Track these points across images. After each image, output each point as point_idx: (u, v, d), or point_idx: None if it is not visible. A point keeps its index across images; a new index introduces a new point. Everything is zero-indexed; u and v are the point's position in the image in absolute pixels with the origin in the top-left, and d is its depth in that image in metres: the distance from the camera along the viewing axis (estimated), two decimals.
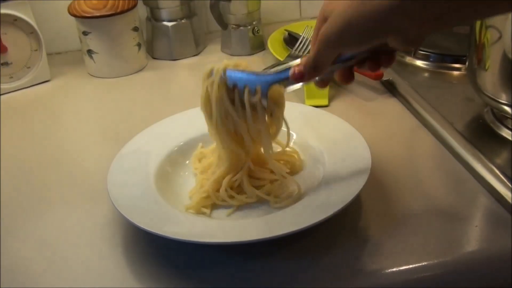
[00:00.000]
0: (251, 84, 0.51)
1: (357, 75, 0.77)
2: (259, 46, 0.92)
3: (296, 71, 0.48)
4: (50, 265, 0.51)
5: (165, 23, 0.90)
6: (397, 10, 0.39)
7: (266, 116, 0.53)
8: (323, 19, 0.45)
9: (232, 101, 0.52)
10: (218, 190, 0.55)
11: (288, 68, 0.50)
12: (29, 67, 0.85)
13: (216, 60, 0.90)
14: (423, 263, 0.48)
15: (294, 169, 0.58)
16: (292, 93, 0.77)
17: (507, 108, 0.60)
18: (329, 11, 0.44)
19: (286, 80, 0.50)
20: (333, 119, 0.62)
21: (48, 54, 0.87)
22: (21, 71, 0.85)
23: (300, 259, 0.49)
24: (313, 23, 0.88)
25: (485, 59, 0.61)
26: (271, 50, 0.85)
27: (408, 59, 0.82)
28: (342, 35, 0.43)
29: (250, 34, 0.90)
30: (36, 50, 0.85)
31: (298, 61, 0.50)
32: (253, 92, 0.51)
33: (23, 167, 0.66)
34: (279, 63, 0.81)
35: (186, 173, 0.60)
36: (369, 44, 0.43)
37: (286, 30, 0.90)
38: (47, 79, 0.87)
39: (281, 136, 0.56)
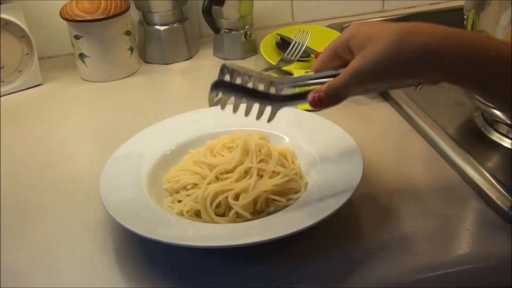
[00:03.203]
0: (262, 104, 0.50)
1: None
2: (251, 50, 0.92)
3: (316, 98, 0.46)
4: (41, 269, 0.51)
5: (157, 27, 0.90)
6: (434, 57, 0.43)
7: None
8: (350, 38, 0.46)
9: None
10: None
11: (303, 93, 0.49)
12: (20, 71, 0.85)
13: (209, 64, 0.91)
14: (415, 266, 0.48)
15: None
16: None
17: (497, 112, 0.60)
18: (362, 39, 0.45)
19: (297, 103, 0.50)
20: (325, 123, 0.62)
21: (40, 58, 0.87)
22: (13, 75, 0.84)
23: (292, 263, 0.49)
24: (305, 27, 0.89)
25: None
26: (264, 54, 0.85)
27: None
28: (376, 76, 0.44)
29: (243, 38, 0.90)
30: (27, 54, 0.84)
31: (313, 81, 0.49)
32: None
33: (15, 171, 0.66)
34: (272, 67, 0.82)
35: None
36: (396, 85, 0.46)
37: (278, 34, 0.90)
38: (38, 83, 0.87)
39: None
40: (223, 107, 0.51)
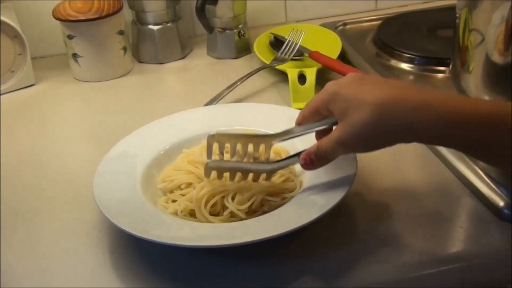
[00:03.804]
0: (257, 171, 0.54)
1: (341, 77, 0.78)
2: (245, 49, 0.92)
3: (308, 161, 0.51)
4: (36, 270, 0.50)
5: (150, 26, 0.89)
6: (415, 131, 0.45)
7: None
8: (330, 102, 0.48)
9: None
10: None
11: (293, 156, 0.53)
12: (13, 71, 0.84)
13: (202, 64, 0.91)
14: (409, 264, 0.48)
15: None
16: (279, 97, 0.78)
17: None
18: (342, 105, 0.47)
19: (288, 164, 0.54)
20: None
21: (33, 58, 0.87)
22: (5, 75, 0.84)
23: (288, 262, 0.49)
24: (299, 26, 0.89)
25: (469, 61, 0.61)
26: (257, 54, 0.85)
27: (393, 62, 0.83)
28: (357, 146, 0.48)
29: (236, 37, 0.90)
30: (20, 54, 0.84)
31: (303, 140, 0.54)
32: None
33: (8, 172, 0.65)
34: (265, 66, 0.82)
35: None
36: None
37: (272, 33, 0.90)
38: (31, 84, 0.86)
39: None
40: (219, 178, 0.54)
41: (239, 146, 0.56)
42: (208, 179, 0.54)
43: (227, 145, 0.56)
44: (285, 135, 0.55)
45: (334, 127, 0.50)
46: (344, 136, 0.47)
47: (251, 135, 0.57)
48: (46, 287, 0.49)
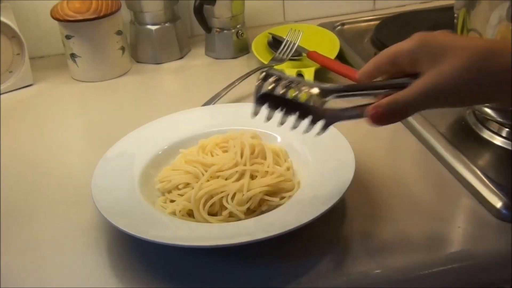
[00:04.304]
0: (312, 118, 0.46)
1: (339, 77, 0.78)
2: (243, 49, 0.92)
3: (374, 113, 0.42)
4: (34, 270, 0.50)
5: (149, 26, 0.89)
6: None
7: None
8: (419, 49, 0.42)
9: None
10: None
11: (355, 106, 0.45)
12: (11, 72, 0.84)
13: (200, 64, 0.91)
14: (406, 264, 0.48)
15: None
16: None
17: (488, 110, 0.61)
18: (435, 51, 0.41)
19: (348, 117, 0.46)
20: None
21: (31, 58, 0.87)
22: (3, 75, 0.84)
23: (285, 262, 0.49)
24: (297, 26, 0.89)
25: None
26: (255, 54, 0.85)
27: None
28: (452, 96, 0.41)
29: (234, 37, 0.90)
30: (18, 54, 0.84)
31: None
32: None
33: (6, 172, 0.65)
34: (263, 66, 0.82)
35: None
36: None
37: (270, 33, 0.90)
38: (30, 84, 0.86)
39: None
40: (267, 120, 0.46)
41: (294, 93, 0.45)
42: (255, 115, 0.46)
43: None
44: (349, 89, 0.45)
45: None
46: (435, 84, 0.40)
47: (308, 82, 0.47)
48: (44, 287, 0.49)
